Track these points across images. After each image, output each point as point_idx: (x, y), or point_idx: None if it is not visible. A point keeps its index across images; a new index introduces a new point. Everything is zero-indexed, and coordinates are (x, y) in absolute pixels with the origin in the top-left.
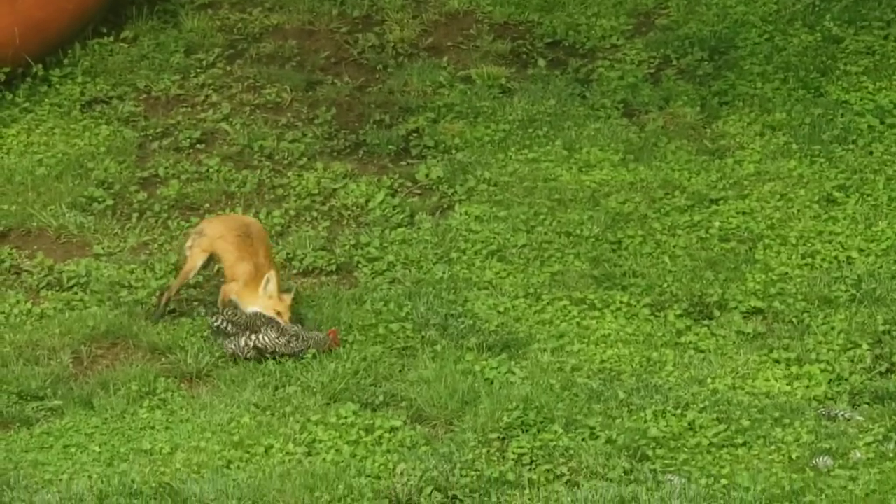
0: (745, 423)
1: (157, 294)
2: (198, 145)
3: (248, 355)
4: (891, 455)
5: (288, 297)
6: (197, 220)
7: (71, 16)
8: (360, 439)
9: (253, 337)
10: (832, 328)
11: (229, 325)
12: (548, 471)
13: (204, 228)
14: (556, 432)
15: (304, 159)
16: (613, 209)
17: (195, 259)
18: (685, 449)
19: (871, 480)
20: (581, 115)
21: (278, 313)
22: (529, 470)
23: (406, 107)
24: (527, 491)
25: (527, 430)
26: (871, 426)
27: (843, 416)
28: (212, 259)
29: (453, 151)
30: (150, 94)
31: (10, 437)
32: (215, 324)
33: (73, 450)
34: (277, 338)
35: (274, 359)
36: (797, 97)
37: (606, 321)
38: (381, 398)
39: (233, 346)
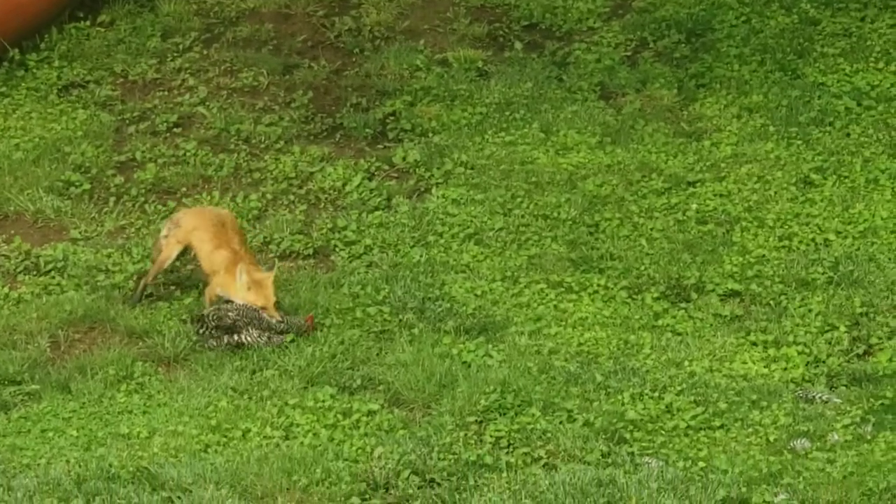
0: (723, 405)
1: (135, 278)
2: (175, 129)
3: (227, 350)
4: (868, 437)
5: (269, 278)
6: (174, 204)
7: (48, 0)
8: (338, 423)
9: (235, 337)
10: (809, 310)
11: (214, 331)
12: (525, 454)
13: (180, 220)
14: (533, 415)
15: (281, 143)
16: (590, 192)
17: (170, 249)
18: (663, 431)
19: (848, 463)
20: (558, 97)
21: (263, 308)
22: (507, 453)
23: (383, 90)
24: (504, 474)
25: (504, 414)
26: (848, 408)
27: (820, 398)
28: (186, 251)
29: (430, 135)
30: (127, 78)
31: None
32: (200, 330)
33: (50, 434)
34: (259, 336)
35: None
36: (774, 79)
37: (584, 304)
38: (358, 382)
39: (214, 343)
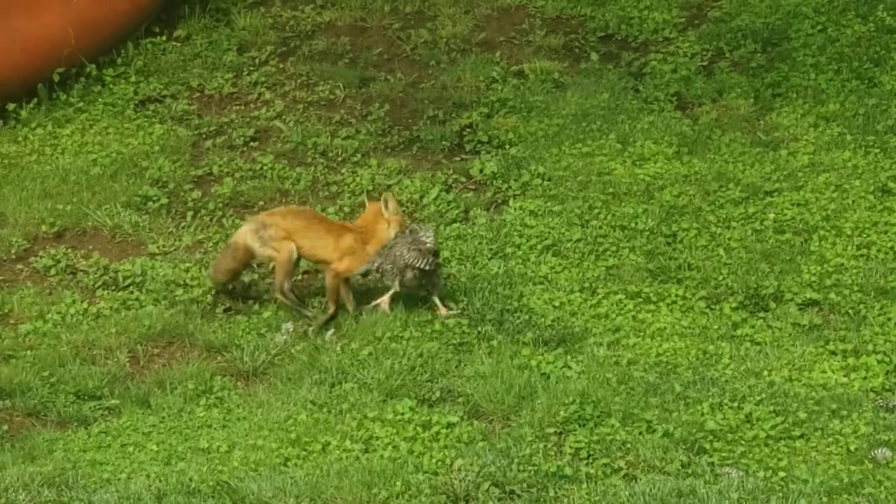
0: (803, 415)
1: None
2: (251, 143)
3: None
4: None
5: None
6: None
7: (125, 15)
8: (417, 435)
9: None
10: (889, 319)
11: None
12: (605, 465)
13: (265, 222)
14: (612, 426)
15: (358, 156)
16: (668, 202)
17: (285, 249)
18: (742, 442)
19: None
20: (634, 108)
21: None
22: (587, 464)
23: (459, 102)
24: (584, 485)
25: (584, 425)
26: None
27: None
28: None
29: (507, 146)
30: (203, 92)
31: (67, 437)
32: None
33: (130, 449)
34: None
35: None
36: (851, 88)
37: (662, 314)
38: (437, 394)
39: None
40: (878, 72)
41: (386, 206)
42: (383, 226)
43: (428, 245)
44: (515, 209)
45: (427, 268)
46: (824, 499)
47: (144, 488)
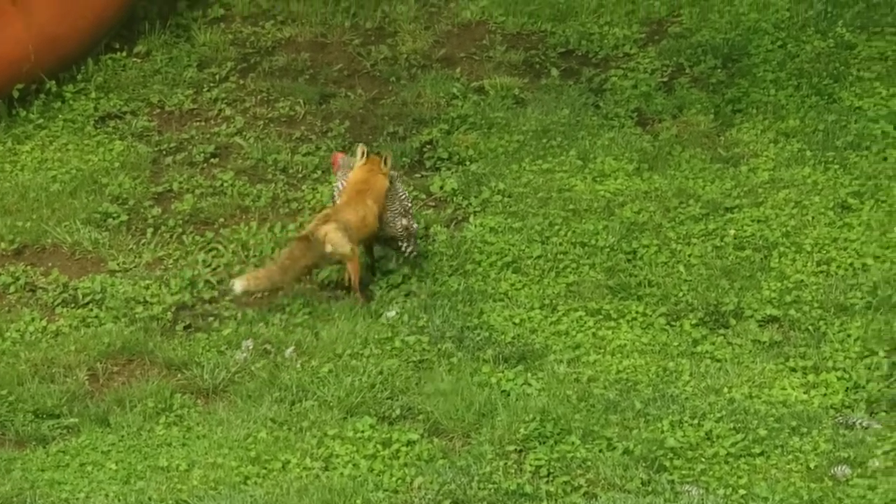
0: (763, 432)
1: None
2: (212, 160)
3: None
4: None
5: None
6: (212, 234)
7: (85, 32)
8: (378, 453)
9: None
10: (848, 336)
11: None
12: (565, 483)
13: (346, 219)
14: (573, 444)
15: (319, 172)
16: (628, 219)
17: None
18: (702, 459)
19: (889, 489)
20: (595, 124)
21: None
22: (547, 482)
23: (419, 119)
24: (545, 503)
25: (544, 442)
26: (888, 434)
27: (860, 424)
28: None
29: (467, 163)
30: (164, 108)
31: (26, 456)
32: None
33: (89, 468)
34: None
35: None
36: (810, 104)
37: (622, 331)
38: (397, 411)
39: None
40: (837, 88)
41: (385, 164)
42: (381, 179)
43: (414, 226)
44: (476, 226)
45: (407, 251)
46: None
47: None
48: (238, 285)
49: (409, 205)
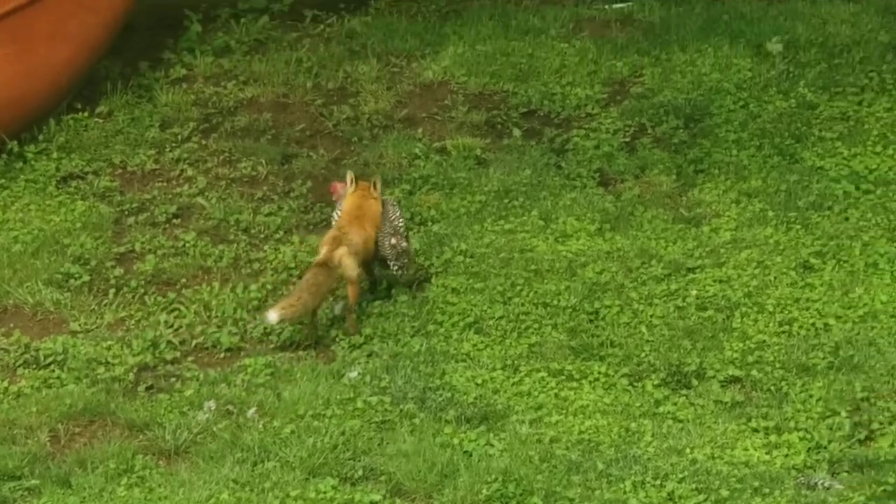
0: (725, 493)
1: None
2: (174, 220)
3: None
4: None
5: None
6: (174, 295)
7: (47, 92)
8: None
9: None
10: (810, 396)
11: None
12: None
13: (354, 241)
14: None
15: (281, 233)
16: (590, 279)
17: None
18: None
19: None
20: (557, 184)
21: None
22: None
23: (382, 179)
24: None
25: (506, 503)
26: (850, 495)
27: (822, 484)
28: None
29: (429, 223)
30: (126, 168)
31: None
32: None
33: None
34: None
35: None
36: (772, 164)
37: (584, 392)
38: (359, 472)
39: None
40: (799, 148)
41: (375, 188)
42: (374, 204)
43: (404, 244)
44: (438, 286)
45: (397, 270)
46: None
47: None
48: (273, 316)
49: (400, 224)
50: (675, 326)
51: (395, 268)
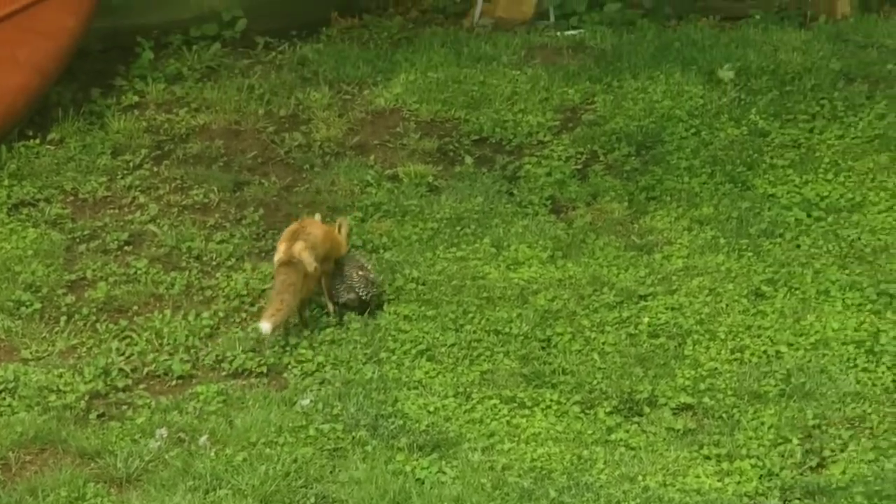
0: None
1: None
2: (126, 247)
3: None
4: None
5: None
6: (126, 322)
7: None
8: None
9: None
10: (762, 423)
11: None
12: None
13: (313, 237)
14: None
15: (233, 260)
16: (542, 306)
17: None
18: None
19: None
20: (509, 212)
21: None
22: None
23: (333, 206)
24: None
25: None
26: None
27: None
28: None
29: (381, 251)
30: (77, 196)
31: None
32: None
33: None
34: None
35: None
36: (724, 191)
37: (537, 419)
38: (312, 500)
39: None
40: (751, 175)
41: (339, 231)
42: (339, 239)
43: (371, 276)
44: (390, 313)
45: (365, 296)
46: None
47: None
48: (266, 326)
49: (366, 264)
50: (627, 354)
51: (364, 294)
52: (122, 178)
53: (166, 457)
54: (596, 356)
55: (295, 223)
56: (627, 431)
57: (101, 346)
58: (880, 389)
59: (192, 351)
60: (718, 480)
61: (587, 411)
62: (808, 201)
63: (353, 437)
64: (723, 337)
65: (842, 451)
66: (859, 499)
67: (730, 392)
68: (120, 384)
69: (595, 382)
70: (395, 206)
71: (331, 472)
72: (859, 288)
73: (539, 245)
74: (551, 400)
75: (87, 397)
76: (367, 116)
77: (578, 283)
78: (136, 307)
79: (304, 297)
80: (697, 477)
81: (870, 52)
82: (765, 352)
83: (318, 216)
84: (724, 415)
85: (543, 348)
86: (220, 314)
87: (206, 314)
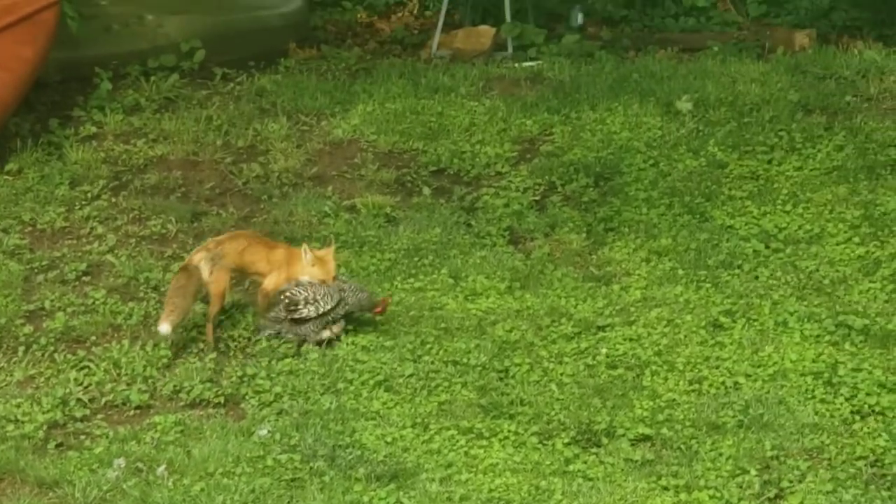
0: None
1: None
2: (84, 278)
3: (288, 333)
4: None
5: (329, 253)
6: (84, 353)
7: None
8: None
9: (296, 314)
10: (720, 454)
11: (282, 312)
12: None
13: (221, 252)
14: None
15: None
16: (500, 337)
17: (222, 280)
18: None
19: None
20: (466, 243)
21: (324, 281)
22: None
23: (291, 237)
24: None
25: None
26: None
27: None
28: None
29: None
30: (35, 226)
31: None
32: (270, 316)
33: None
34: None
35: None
36: (683, 222)
37: (494, 450)
38: None
39: (278, 328)
40: (709, 206)
41: (305, 255)
42: (300, 267)
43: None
44: (347, 344)
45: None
46: None
47: None
48: (164, 328)
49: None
50: (586, 385)
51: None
52: (80, 208)
53: (124, 486)
54: (554, 387)
55: (210, 244)
56: (585, 462)
57: (59, 375)
58: (838, 420)
59: (149, 381)
60: None
61: (545, 442)
62: (767, 233)
63: (311, 468)
64: (681, 368)
65: (800, 482)
66: None
67: (688, 423)
68: (78, 414)
69: (553, 413)
70: (353, 236)
71: (288, 503)
72: (817, 319)
73: (497, 276)
74: (509, 431)
75: (45, 427)
76: (325, 147)
77: (536, 314)
78: (94, 337)
79: (192, 302)
80: None
81: (828, 84)
82: (723, 383)
83: (304, 245)
84: (682, 446)
85: (501, 379)
86: (178, 344)
87: (163, 345)
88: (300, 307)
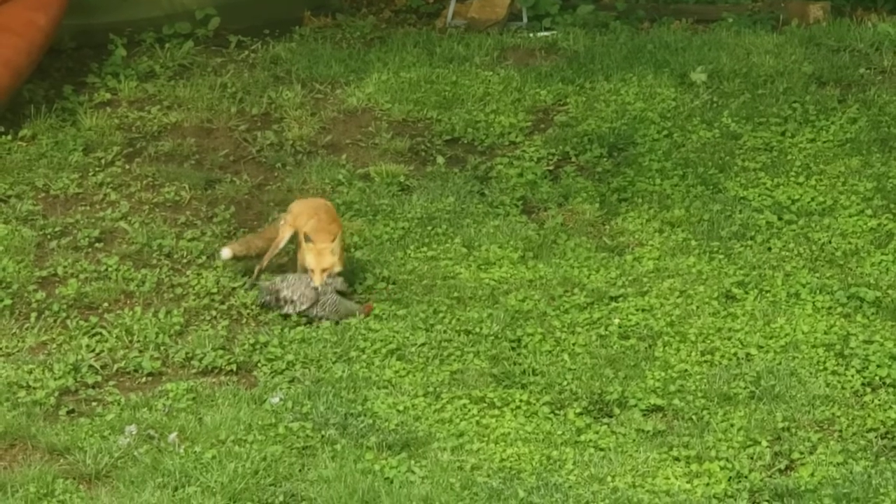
0: None
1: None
2: (96, 244)
3: (274, 307)
4: None
5: (327, 248)
6: (97, 319)
7: None
8: None
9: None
10: (732, 425)
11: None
12: None
13: (291, 208)
14: None
15: (203, 258)
16: (513, 307)
17: (284, 232)
18: None
19: None
20: (480, 212)
21: (309, 270)
22: None
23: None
24: None
25: None
26: None
27: None
28: (295, 235)
29: (352, 250)
30: (49, 192)
31: None
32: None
33: None
34: (295, 295)
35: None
36: (696, 193)
37: (506, 420)
38: (281, 498)
39: (267, 299)
40: (722, 178)
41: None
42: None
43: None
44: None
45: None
46: None
47: None
48: (226, 252)
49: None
50: (598, 355)
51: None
52: (93, 175)
53: (135, 453)
54: (566, 357)
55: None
56: (597, 432)
57: (71, 342)
58: (849, 392)
59: (162, 348)
60: (687, 482)
61: (557, 412)
62: (780, 204)
63: (323, 436)
64: (693, 339)
65: (810, 453)
66: (828, 501)
67: (699, 394)
68: (90, 381)
69: (565, 383)
70: (367, 205)
71: (300, 471)
72: (829, 291)
73: (510, 245)
74: (521, 400)
75: (56, 393)
76: (340, 116)
77: (549, 284)
78: (106, 304)
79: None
80: (666, 478)
81: (842, 56)
82: (735, 354)
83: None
84: (693, 416)
85: (513, 349)
86: (191, 311)
87: (176, 311)
88: (280, 303)
